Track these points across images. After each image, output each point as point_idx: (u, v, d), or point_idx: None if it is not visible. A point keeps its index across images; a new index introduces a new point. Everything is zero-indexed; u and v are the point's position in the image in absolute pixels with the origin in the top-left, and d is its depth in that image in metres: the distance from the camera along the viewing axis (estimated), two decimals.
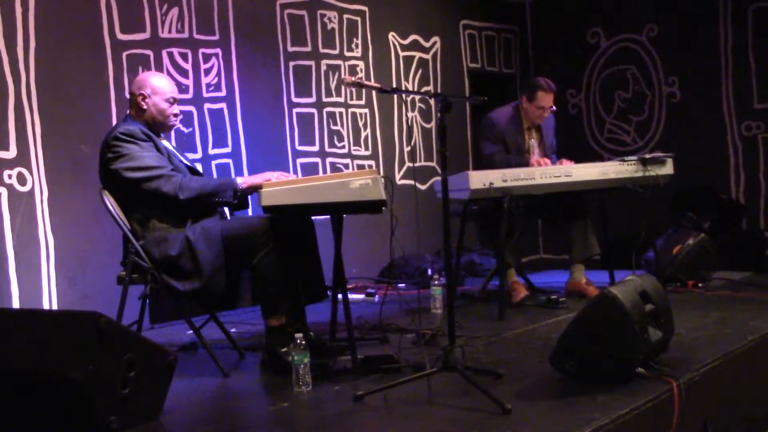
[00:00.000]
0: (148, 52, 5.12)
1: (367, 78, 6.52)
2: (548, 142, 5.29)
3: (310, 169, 6.11)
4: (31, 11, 4.55)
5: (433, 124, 7.12)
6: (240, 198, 3.61)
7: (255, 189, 3.50)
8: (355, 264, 6.05)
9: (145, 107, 3.67)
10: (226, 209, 3.80)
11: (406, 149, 6.87)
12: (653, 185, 5.03)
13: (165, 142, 3.76)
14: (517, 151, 5.11)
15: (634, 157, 5.07)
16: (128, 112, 3.74)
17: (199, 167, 4.10)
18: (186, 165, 3.74)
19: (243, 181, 3.57)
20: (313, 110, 6.20)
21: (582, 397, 2.83)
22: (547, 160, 5.02)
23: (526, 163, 4.97)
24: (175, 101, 3.72)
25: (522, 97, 5.16)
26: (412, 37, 7.02)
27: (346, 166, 6.39)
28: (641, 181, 5.02)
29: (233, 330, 4.38)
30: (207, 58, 5.49)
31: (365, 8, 6.62)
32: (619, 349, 2.95)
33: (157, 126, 3.69)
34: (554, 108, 5.14)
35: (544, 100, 5.06)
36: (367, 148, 6.58)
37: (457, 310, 4.05)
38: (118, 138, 3.51)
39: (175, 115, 3.75)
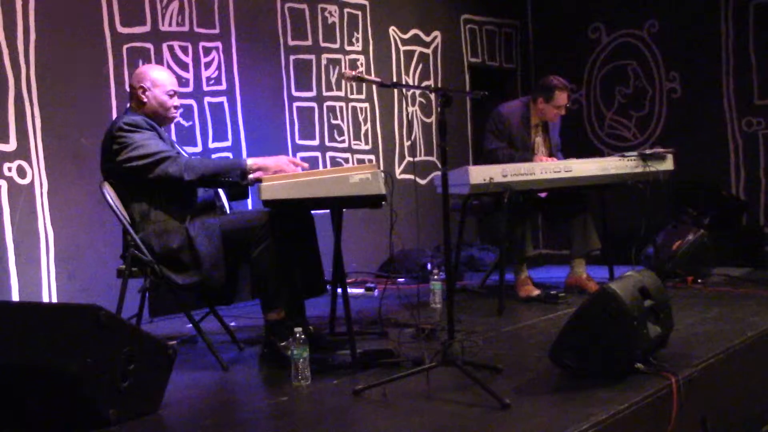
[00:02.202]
0: (149, 45, 5.11)
1: (368, 72, 6.51)
2: (554, 141, 5.28)
3: (310, 163, 6.09)
4: (31, 3, 4.54)
5: (433, 118, 7.11)
6: (248, 180, 3.51)
7: (264, 172, 3.46)
8: (354, 258, 6.05)
9: (145, 100, 3.66)
10: (225, 203, 3.80)
11: (407, 144, 6.87)
12: (653, 181, 5.03)
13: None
14: (522, 148, 5.11)
15: (635, 153, 5.06)
16: (128, 105, 3.73)
17: None
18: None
19: (254, 162, 3.51)
20: (314, 104, 6.19)
21: (581, 393, 2.84)
22: (553, 160, 5.00)
23: (529, 159, 4.96)
24: (175, 93, 3.72)
25: (537, 98, 5.13)
26: (413, 31, 7.01)
27: (346, 161, 6.39)
28: (641, 176, 5.02)
29: (233, 324, 4.38)
30: (207, 51, 5.48)
31: (366, 2, 6.61)
32: (618, 345, 2.95)
33: (158, 118, 3.68)
34: (569, 105, 5.15)
35: (561, 98, 5.07)
36: (367, 143, 6.58)
37: (457, 304, 4.04)
38: (123, 129, 3.50)
39: (176, 108, 3.74)
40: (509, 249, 4.90)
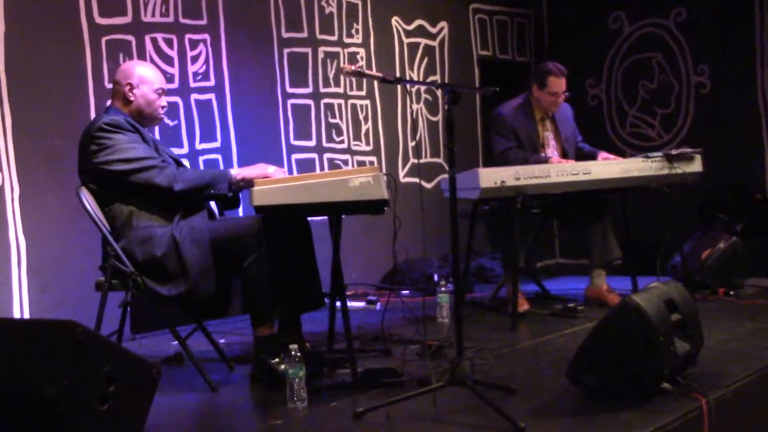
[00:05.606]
0: (130, 37, 5.13)
1: (369, 67, 6.53)
2: (566, 134, 5.28)
3: (306, 166, 6.11)
4: None
5: (440, 116, 7.13)
6: (235, 191, 3.64)
7: (249, 183, 3.52)
8: (355, 269, 6.06)
9: (132, 98, 3.68)
10: (215, 208, 3.81)
11: (411, 144, 6.88)
12: (680, 184, 5.03)
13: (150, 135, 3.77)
14: (530, 145, 5.12)
15: (660, 153, 5.07)
16: (110, 103, 3.74)
17: (186, 163, 4.11)
18: (173, 158, 3.76)
19: (237, 172, 3.61)
20: (310, 101, 6.21)
21: (602, 415, 2.83)
22: (570, 161, 5.00)
23: (544, 160, 4.96)
24: (163, 92, 3.75)
25: (532, 85, 5.17)
26: (418, 22, 7.02)
27: (346, 163, 6.40)
28: (667, 179, 5.02)
29: (222, 340, 4.39)
30: (194, 44, 5.49)
31: None
32: (643, 363, 2.95)
33: (143, 119, 3.71)
34: (567, 94, 5.14)
35: (556, 85, 5.07)
36: (368, 143, 6.59)
37: (466, 319, 4.04)
38: (103, 129, 3.52)
39: (163, 108, 3.77)
40: (504, 259, 4.88)
